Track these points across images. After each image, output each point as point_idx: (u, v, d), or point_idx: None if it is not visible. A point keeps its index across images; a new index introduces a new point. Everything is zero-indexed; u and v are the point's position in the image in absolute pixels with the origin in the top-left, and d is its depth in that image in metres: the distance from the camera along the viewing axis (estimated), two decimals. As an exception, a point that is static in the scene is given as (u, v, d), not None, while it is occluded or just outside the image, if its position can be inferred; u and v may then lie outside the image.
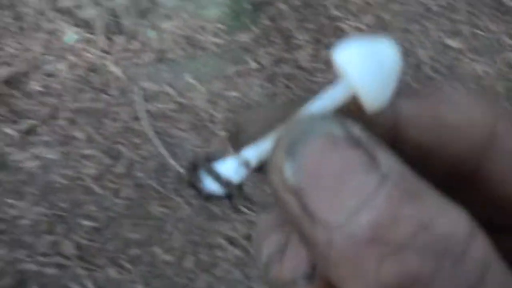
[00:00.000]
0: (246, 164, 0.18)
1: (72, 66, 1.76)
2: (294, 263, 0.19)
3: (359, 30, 1.98)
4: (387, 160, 0.15)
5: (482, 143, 0.19)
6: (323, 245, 0.15)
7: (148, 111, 1.65)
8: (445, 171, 0.19)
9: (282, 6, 1.95)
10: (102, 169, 1.50)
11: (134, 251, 1.34)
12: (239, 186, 0.19)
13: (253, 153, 0.18)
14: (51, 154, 1.53)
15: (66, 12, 1.86)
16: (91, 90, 1.72)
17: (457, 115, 0.19)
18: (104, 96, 1.70)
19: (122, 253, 1.33)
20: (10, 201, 1.41)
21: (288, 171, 0.15)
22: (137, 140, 1.59)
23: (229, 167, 0.19)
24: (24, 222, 1.37)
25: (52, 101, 1.68)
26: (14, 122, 1.60)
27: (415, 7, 2.08)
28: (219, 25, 1.84)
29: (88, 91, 1.71)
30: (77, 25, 1.83)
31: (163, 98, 1.70)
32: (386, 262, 0.14)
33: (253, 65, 1.77)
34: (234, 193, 0.19)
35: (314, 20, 1.96)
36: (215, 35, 1.83)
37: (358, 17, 2.02)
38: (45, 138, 1.58)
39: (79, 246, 1.33)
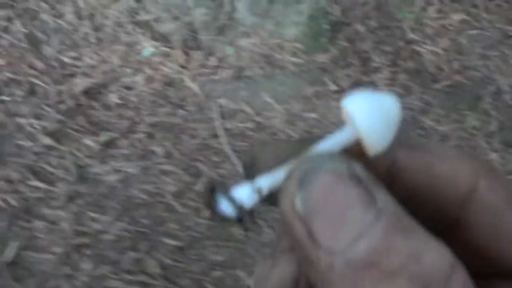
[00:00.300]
0: (258, 191, 0.20)
1: (149, 79, 1.76)
2: (277, 280, 0.22)
3: (435, 54, 1.94)
4: (383, 197, 0.18)
5: (465, 194, 0.21)
6: (325, 268, 0.17)
7: (226, 129, 1.64)
8: (432, 215, 0.21)
9: (359, 27, 1.92)
10: (182, 187, 1.49)
11: (218, 274, 1.32)
12: (250, 211, 0.20)
13: (265, 181, 0.20)
14: (131, 168, 1.53)
15: (144, 26, 1.86)
16: (168, 104, 1.71)
17: (444, 166, 0.21)
18: (181, 111, 1.70)
19: (206, 275, 1.31)
20: (92, 214, 1.41)
21: (298, 200, 0.18)
22: (216, 158, 1.57)
23: (243, 193, 0.20)
24: (108, 237, 1.36)
25: (130, 114, 1.68)
26: (94, 133, 1.61)
27: (493, 33, 2.03)
28: (297, 45, 1.82)
29: (165, 105, 1.71)
30: (155, 39, 1.83)
31: (240, 116, 1.68)
32: (380, 285, 0.17)
33: (332, 86, 1.75)
34: (245, 216, 0.20)
35: (391, 42, 1.93)
36: (293, 54, 1.81)
37: (434, 40, 1.98)
38: (125, 151, 1.58)
39: (163, 265, 1.32)
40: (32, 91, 1.75)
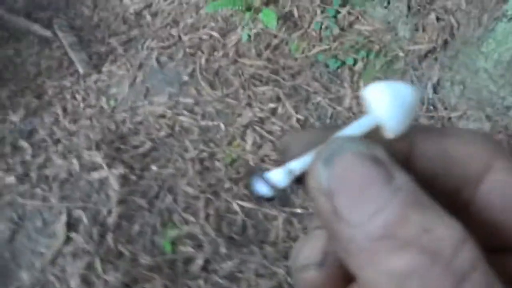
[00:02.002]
0: (290, 173, 0.23)
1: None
2: (308, 253, 0.24)
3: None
4: (401, 176, 0.20)
5: (479, 174, 0.22)
6: (346, 239, 0.19)
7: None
8: (448, 194, 0.23)
9: None
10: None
11: None
12: (284, 190, 0.23)
13: (296, 164, 0.23)
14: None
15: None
16: None
17: (460, 148, 0.23)
18: None
19: None
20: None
21: (324, 177, 0.20)
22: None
23: (277, 175, 0.23)
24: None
25: None
26: None
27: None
28: None
29: None
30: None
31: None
32: (394, 255, 0.18)
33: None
34: (279, 195, 0.23)
35: None
36: None
37: None
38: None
39: None
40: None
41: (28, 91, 2.40)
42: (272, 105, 2.23)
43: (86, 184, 1.99)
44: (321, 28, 2.39)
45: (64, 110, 2.31)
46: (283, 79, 2.30)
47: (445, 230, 0.19)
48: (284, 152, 0.24)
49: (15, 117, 2.26)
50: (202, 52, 2.41)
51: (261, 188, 0.23)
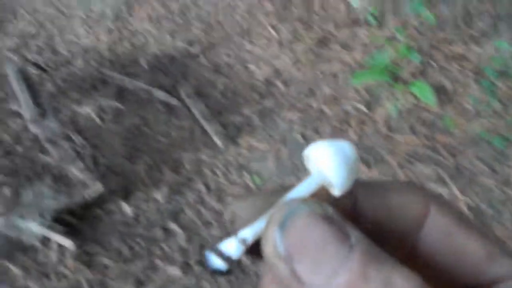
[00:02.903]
0: (243, 241, 0.23)
1: None
2: None
3: None
4: (354, 233, 0.21)
5: (418, 220, 0.24)
6: None
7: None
8: (394, 243, 0.24)
9: None
10: None
11: None
12: (238, 261, 0.23)
13: (248, 232, 0.23)
14: None
15: None
16: None
17: (397, 198, 0.25)
18: None
19: None
20: None
21: (279, 241, 0.21)
22: None
23: (230, 246, 0.23)
24: None
25: None
26: None
27: None
28: None
29: None
30: None
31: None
32: None
33: None
34: (234, 267, 0.23)
35: None
36: None
37: None
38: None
39: None
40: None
41: (164, 165, 2.28)
42: (432, 185, 2.07)
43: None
44: (477, 101, 2.25)
45: (207, 187, 2.18)
46: (443, 157, 2.15)
47: (405, 283, 0.19)
48: (233, 221, 0.24)
49: (158, 195, 2.13)
50: (351, 127, 2.28)
51: (216, 262, 0.23)
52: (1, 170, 2.17)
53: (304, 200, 0.22)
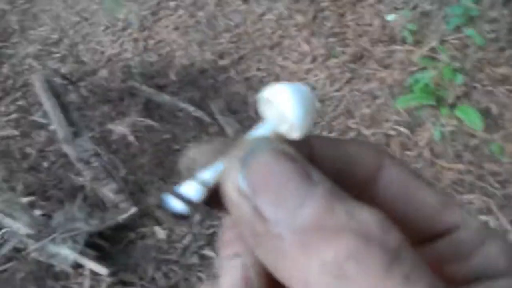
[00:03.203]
0: (203, 183, 0.22)
1: None
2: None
3: None
4: (315, 172, 0.21)
5: (373, 170, 0.25)
6: (274, 239, 0.19)
7: None
8: (350, 192, 0.23)
9: None
10: None
11: None
12: (199, 205, 0.22)
13: (208, 174, 0.22)
14: None
15: None
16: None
17: (352, 149, 0.25)
18: None
19: None
20: None
21: (241, 179, 0.20)
22: None
23: (189, 188, 0.22)
24: None
25: None
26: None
27: None
28: None
29: None
30: None
31: None
32: (327, 244, 0.19)
33: None
34: (196, 211, 0.22)
35: None
36: None
37: None
38: None
39: None
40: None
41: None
42: (483, 217, 1.98)
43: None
44: (527, 128, 2.16)
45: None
46: (491, 186, 2.06)
47: (370, 215, 0.20)
48: (191, 166, 0.23)
49: (192, 218, 2.04)
50: (393, 151, 2.19)
51: (176, 205, 0.21)
52: (28, 187, 2.08)
53: (265, 139, 0.22)
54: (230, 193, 0.21)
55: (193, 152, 0.24)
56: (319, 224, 0.19)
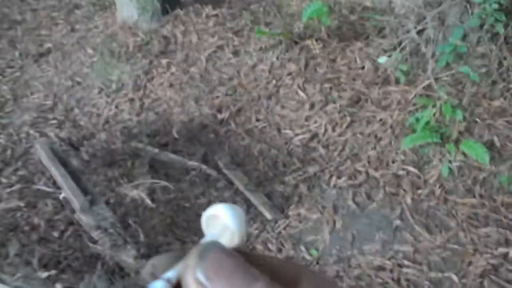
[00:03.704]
0: (168, 280, 0.27)
1: None
2: None
3: None
4: (253, 268, 0.26)
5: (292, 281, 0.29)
6: None
7: None
8: None
9: None
10: None
11: None
12: None
13: (171, 273, 0.27)
14: None
15: None
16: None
17: (276, 263, 0.31)
18: None
19: None
20: None
21: (199, 271, 0.26)
22: None
23: (157, 286, 0.27)
24: None
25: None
26: None
27: None
28: None
29: None
30: None
31: None
32: None
33: None
34: None
35: None
36: None
37: None
38: None
39: None
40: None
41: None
42: (502, 250, 1.99)
43: None
44: (531, 158, 2.21)
45: (262, 264, 2.06)
46: (506, 217, 2.09)
47: None
48: (155, 271, 0.28)
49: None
50: (404, 190, 2.21)
51: None
52: (41, 259, 2.02)
53: (215, 242, 0.29)
54: (190, 283, 0.26)
55: (155, 260, 0.29)
56: None
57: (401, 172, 2.29)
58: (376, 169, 2.33)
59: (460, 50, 2.63)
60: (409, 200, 2.18)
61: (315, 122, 2.66)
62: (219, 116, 2.83)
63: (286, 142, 2.60)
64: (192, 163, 2.51)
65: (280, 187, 2.37)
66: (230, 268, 0.26)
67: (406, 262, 1.99)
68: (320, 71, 2.97)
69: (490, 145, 2.28)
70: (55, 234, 2.21)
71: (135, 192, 2.23)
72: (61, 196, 2.22)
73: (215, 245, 0.28)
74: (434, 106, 2.38)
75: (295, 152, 2.53)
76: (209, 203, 2.32)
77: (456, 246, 2.03)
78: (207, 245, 0.28)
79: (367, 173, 2.33)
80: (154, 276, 0.27)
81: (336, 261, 2.04)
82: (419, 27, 2.83)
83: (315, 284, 0.30)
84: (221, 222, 0.30)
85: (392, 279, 1.95)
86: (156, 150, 2.58)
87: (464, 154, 2.25)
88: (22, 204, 2.38)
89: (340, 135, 2.55)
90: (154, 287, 0.26)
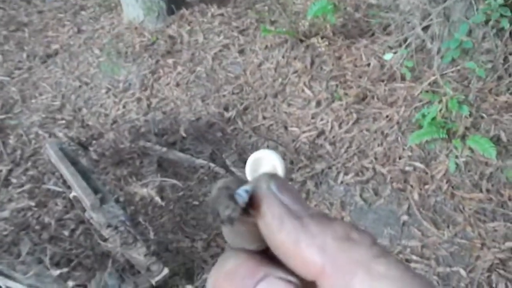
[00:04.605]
0: (246, 191, 0.28)
1: None
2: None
3: None
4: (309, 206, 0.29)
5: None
6: (295, 220, 0.28)
7: None
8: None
9: None
10: None
11: None
12: (244, 206, 0.28)
13: (247, 187, 0.29)
14: None
15: None
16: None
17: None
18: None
19: None
20: None
21: (272, 184, 0.29)
22: None
23: (239, 193, 0.28)
24: None
25: None
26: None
27: None
28: None
29: None
30: None
31: None
32: (338, 221, 0.28)
33: None
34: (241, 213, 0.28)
35: None
36: None
37: None
38: None
39: None
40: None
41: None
42: (510, 244, 2.00)
43: None
44: (537, 152, 2.22)
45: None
46: (513, 212, 2.09)
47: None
48: (231, 185, 0.29)
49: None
50: (411, 186, 2.22)
51: (239, 196, 0.28)
52: (53, 257, 2.05)
53: (274, 173, 0.31)
54: (265, 192, 0.28)
55: (221, 183, 0.30)
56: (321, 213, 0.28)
57: (408, 168, 2.30)
58: (383, 165, 2.34)
59: (465, 45, 2.63)
60: (416, 196, 2.19)
61: (322, 119, 2.68)
62: (226, 115, 2.85)
63: (293, 139, 2.61)
64: (200, 161, 2.53)
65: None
66: (292, 188, 0.29)
67: (414, 257, 2.00)
68: (326, 69, 2.98)
69: (496, 140, 2.29)
70: (66, 232, 2.24)
71: (144, 190, 2.25)
72: (71, 195, 2.24)
73: (277, 175, 0.31)
74: (440, 101, 2.39)
75: (302, 149, 2.54)
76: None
77: (463, 241, 2.04)
78: (271, 174, 0.30)
79: (374, 169, 2.34)
80: (230, 189, 0.29)
81: (345, 257, 2.05)
82: (424, 24, 2.83)
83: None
84: (268, 162, 0.32)
85: (400, 274, 1.96)
86: (164, 149, 2.61)
87: (471, 149, 2.26)
88: (32, 203, 2.41)
89: (346, 132, 2.56)
90: (240, 193, 0.28)
